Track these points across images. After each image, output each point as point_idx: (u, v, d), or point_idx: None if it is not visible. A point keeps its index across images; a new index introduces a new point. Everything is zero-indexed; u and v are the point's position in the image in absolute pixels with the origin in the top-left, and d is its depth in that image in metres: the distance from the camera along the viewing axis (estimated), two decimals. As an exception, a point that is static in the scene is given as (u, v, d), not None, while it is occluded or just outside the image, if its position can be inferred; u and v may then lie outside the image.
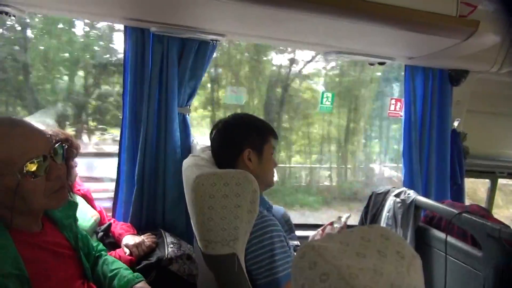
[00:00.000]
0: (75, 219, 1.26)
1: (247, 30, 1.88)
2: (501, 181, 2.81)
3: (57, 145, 1.07)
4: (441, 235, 1.82)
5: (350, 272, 0.48)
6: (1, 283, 0.91)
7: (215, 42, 1.91)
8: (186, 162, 1.55)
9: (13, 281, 0.94)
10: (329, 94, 2.32)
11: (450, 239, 1.76)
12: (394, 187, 2.20)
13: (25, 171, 0.98)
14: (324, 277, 0.49)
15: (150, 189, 1.95)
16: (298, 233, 1.98)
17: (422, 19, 1.55)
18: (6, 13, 1.58)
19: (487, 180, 2.80)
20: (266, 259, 1.32)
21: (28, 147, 1.00)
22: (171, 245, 1.67)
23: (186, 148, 1.99)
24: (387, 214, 2.10)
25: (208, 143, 1.67)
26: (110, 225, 1.80)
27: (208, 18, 1.69)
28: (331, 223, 1.76)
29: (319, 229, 1.78)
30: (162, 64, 1.88)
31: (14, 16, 1.60)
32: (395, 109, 2.44)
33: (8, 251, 0.96)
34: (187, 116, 2.01)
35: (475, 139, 2.53)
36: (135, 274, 1.31)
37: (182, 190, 1.76)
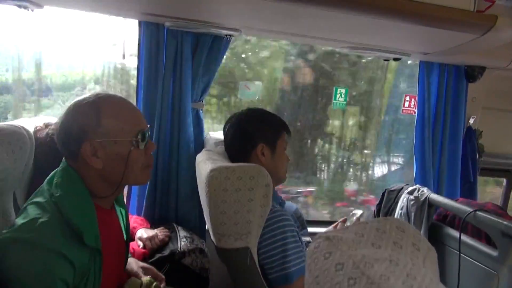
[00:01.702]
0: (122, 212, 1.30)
1: (262, 26, 1.88)
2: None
3: (148, 127, 1.15)
4: (455, 233, 1.80)
5: (366, 262, 0.48)
6: (80, 254, 0.96)
7: (229, 37, 1.91)
8: (200, 157, 1.56)
9: (90, 253, 1.00)
10: (343, 90, 2.31)
11: (464, 237, 1.74)
12: (407, 184, 2.19)
13: (134, 141, 1.07)
14: (340, 266, 0.49)
15: (164, 183, 1.97)
16: (310, 229, 1.98)
17: (439, 14, 1.53)
18: (25, 7, 1.61)
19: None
20: (279, 254, 1.33)
21: (138, 120, 1.11)
22: (184, 239, 1.68)
23: (200, 142, 2.01)
24: (400, 211, 2.08)
25: (221, 137, 1.68)
26: (128, 223, 1.82)
27: (222, 13, 1.69)
28: (344, 220, 1.76)
29: (332, 226, 1.78)
30: (176, 59, 1.89)
31: (33, 10, 1.63)
32: (409, 106, 2.42)
33: (94, 227, 1.02)
34: (201, 111, 2.02)
35: (491, 136, 2.49)
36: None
37: (195, 185, 1.77)
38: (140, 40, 1.90)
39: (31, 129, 1.44)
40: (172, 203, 1.98)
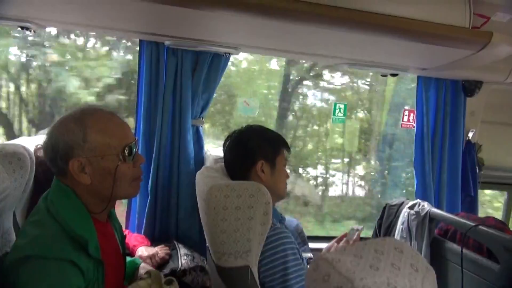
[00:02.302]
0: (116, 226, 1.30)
1: (260, 43, 1.91)
2: None
3: (136, 139, 1.16)
4: (457, 247, 1.79)
5: (364, 285, 0.48)
6: (86, 262, 0.98)
7: (228, 54, 1.94)
8: (200, 174, 1.57)
9: (94, 263, 1.01)
10: (342, 105, 2.32)
11: (466, 252, 1.73)
12: (407, 199, 2.18)
13: (121, 155, 1.08)
14: (338, 290, 0.50)
15: (164, 200, 1.97)
16: (311, 245, 1.97)
17: (435, 31, 1.55)
18: (27, 29, 1.63)
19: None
20: (279, 272, 1.32)
21: (124, 134, 1.11)
22: (185, 257, 1.67)
23: (200, 159, 2.01)
24: (401, 226, 2.07)
25: (221, 154, 1.69)
26: (124, 236, 1.82)
27: (221, 31, 1.72)
28: (345, 235, 1.75)
29: (333, 241, 1.77)
30: (176, 77, 1.91)
31: (35, 31, 1.66)
32: (408, 120, 2.43)
33: (93, 237, 1.03)
34: (201, 127, 2.03)
35: (491, 150, 2.49)
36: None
37: (195, 202, 1.77)
38: (141, 58, 1.93)
39: (32, 148, 1.45)
40: (172, 220, 1.98)
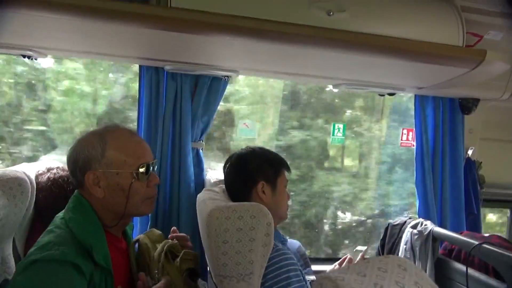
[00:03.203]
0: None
1: (258, 66, 1.94)
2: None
3: (155, 160, 1.22)
4: (462, 267, 1.76)
5: (368, 303, 0.48)
6: (90, 268, 1.01)
7: (227, 77, 1.96)
8: (200, 196, 1.56)
9: (101, 272, 1.04)
10: (341, 125, 2.34)
11: (471, 271, 1.71)
12: (410, 218, 2.17)
13: (135, 173, 1.12)
14: (342, 308, 0.49)
15: (164, 224, 1.95)
16: (314, 267, 1.94)
17: (429, 50, 1.58)
18: (29, 57, 1.67)
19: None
20: (283, 294, 1.30)
21: (142, 153, 1.16)
22: (186, 282, 1.65)
23: (200, 182, 2.01)
24: (404, 246, 2.05)
25: (222, 177, 1.69)
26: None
27: (219, 55, 1.75)
28: (345, 258, 1.73)
29: (336, 263, 1.75)
30: (176, 101, 1.93)
31: (36, 59, 1.69)
32: (407, 139, 2.44)
33: (103, 246, 1.07)
34: (201, 150, 2.04)
35: (491, 167, 2.48)
36: None
37: (196, 225, 1.75)
38: (141, 82, 1.95)
39: (33, 174, 1.45)
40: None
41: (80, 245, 1.02)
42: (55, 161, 1.69)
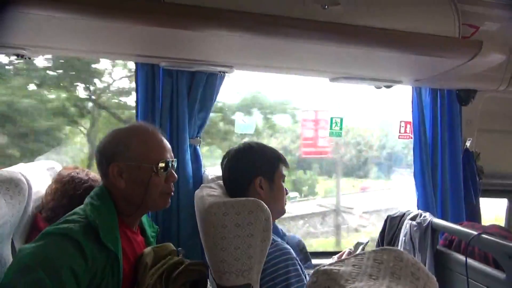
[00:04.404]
0: (155, 241, 1.40)
1: (255, 61, 1.93)
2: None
3: (175, 159, 1.31)
4: (461, 258, 1.77)
5: (364, 295, 0.48)
6: (101, 255, 1.05)
7: (223, 73, 1.96)
8: (198, 193, 1.56)
9: (108, 256, 1.07)
10: (338, 119, 2.33)
11: (471, 261, 1.71)
12: (409, 210, 2.17)
13: (156, 168, 1.21)
14: (338, 301, 0.49)
15: (165, 222, 1.95)
16: (314, 261, 1.94)
17: (426, 42, 1.58)
18: (22, 56, 1.65)
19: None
20: (282, 288, 1.30)
21: (162, 150, 1.26)
22: (187, 279, 1.64)
23: (198, 179, 2.01)
24: (404, 238, 2.05)
25: (219, 173, 1.68)
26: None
27: (215, 51, 1.74)
28: (350, 252, 1.74)
29: (335, 256, 1.75)
30: (172, 97, 1.93)
31: (29, 58, 1.68)
32: (405, 131, 2.44)
33: (113, 230, 1.12)
34: (198, 147, 2.03)
35: (489, 158, 2.49)
36: None
37: (195, 223, 1.76)
38: (137, 80, 1.95)
39: (29, 175, 1.45)
40: (173, 241, 1.94)
41: (90, 226, 1.07)
42: (53, 162, 1.69)
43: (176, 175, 1.30)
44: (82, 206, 1.16)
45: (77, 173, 1.56)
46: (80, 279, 0.99)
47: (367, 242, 1.76)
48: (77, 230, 1.04)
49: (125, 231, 1.20)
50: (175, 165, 1.32)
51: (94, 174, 1.60)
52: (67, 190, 1.49)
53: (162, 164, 1.22)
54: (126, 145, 1.20)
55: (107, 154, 1.21)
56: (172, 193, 1.31)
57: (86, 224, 1.08)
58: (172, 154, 1.31)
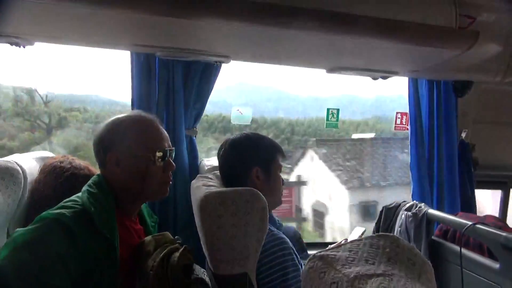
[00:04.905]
0: (155, 231, 1.42)
1: (251, 52, 1.92)
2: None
3: (173, 148, 1.31)
4: (456, 248, 1.78)
5: (359, 279, 0.48)
6: (96, 243, 1.05)
7: (219, 64, 1.94)
8: (194, 183, 1.56)
9: (103, 243, 1.07)
10: (335, 110, 2.33)
11: (465, 251, 1.73)
12: (404, 201, 2.18)
13: (153, 157, 1.22)
14: (334, 285, 0.49)
15: (161, 212, 1.95)
16: (310, 252, 1.95)
17: (423, 32, 1.57)
18: (16, 44, 1.63)
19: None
20: (279, 278, 1.31)
21: (159, 139, 1.26)
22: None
23: (194, 169, 2.00)
24: (399, 228, 2.07)
25: (216, 163, 1.68)
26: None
27: (211, 41, 1.73)
28: (346, 240, 1.74)
29: (331, 246, 1.76)
30: (168, 87, 1.92)
31: (24, 46, 1.66)
32: (401, 123, 2.44)
33: (109, 217, 1.11)
34: (194, 137, 2.03)
35: (484, 149, 2.50)
36: None
37: (192, 213, 1.76)
38: (132, 70, 1.93)
39: (25, 165, 1.44)
40: (170, 231, 1.94)
41: (85, 212, 1.07)
42: (45, 152, 1.68)
43: (174, 164, 1.30)
44: (79, 193, 1.15)
45: (60, 162, 1.54)
46: (69, 264, 0.98)
47: (364, 231, 1.77)
48: (70, 215, 1.04)
49: (123, 220, 1.21)
50: (173, 155, 1.32)
51: (80, 162, 1.60)
52: (50, 180, 1.49)
53: (160, 154, 1.23)
54: (124, 134, 1.20)
55: (105, 143, 1.21)
56: (171, 182, 1.31)
57: (81, 210, 1.07)
58: (170, 143, 1.31)
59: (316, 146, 6.73)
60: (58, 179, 1.48)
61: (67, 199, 1.14)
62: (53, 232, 1.00)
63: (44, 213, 1.05)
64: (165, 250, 1.17)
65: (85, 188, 1.17)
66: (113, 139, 1.20)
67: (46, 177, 1.49)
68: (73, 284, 0.99)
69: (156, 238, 1.23)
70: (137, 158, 1.20)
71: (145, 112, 1.86)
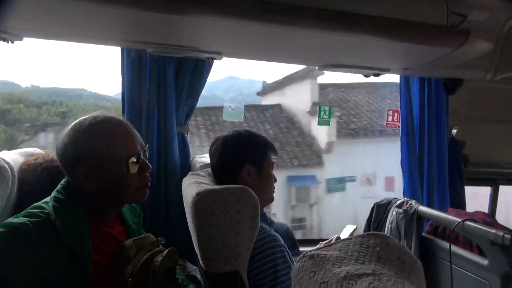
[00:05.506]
0: (139, 227, 1.33)
1: (242, 48, 1.91)
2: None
3: (146, 146, 1.20)
4: (446, 244, 1.80)
5: (349, 279, 0.48)
6: (61, 257, 0.98)
7: (211, 60, 1.93)
8: (186, 180, 1.55)
9: (70, 256, 0.99)
10: (327, 108, 2.34)
11: (455, 248, 1.74)
12: (395, 198, 2.19)
13: (127, 165, 1.11)
14: (324, 285, 0.49)
15: (152, 209, 1.94)
16: (302, 249, 1.96)
17: (414, 30, 1.58)
18: (4, 39, 1.61)
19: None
20: (270, 275, 1.31)
21: (131, 144, 1.14)
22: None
23: (186, 166, 2.00)
24: (390, 225, 2.08)
25: (207, 160, 1.67)
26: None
27: (203, 37, 1.71)
28: (337, 237, 1.75)
29: (323, 243, 1.77)
30: (159, 84, 1.90)
31: (12, 42, 1.63)
32: (392, 120, 2.45)
33: (80, 227, 1.04)
34: (186, 134, 2.02)
35: (474, 147, 2.53)
36: None
37: (183, 210, 1.75)
38: (123, 66, 1.91)
39: (12, 162, 1.42)
40: (161, 229, 1.95)
41: (50, 222, 1.00)
42: (33, 148, 1.66)
43: (150, 166, 1.20)
44: (48, 199, 1.08)
45: (35, 160, 1.50)
46: (27, 275, 0.93)
47: (355, 228, 1.78)
48: (32, 226, 0.97)
49: (97, 225, 1.13)
50: (147, 154, 1.22)
51: (53, 156, 1.51)
52: (24, 178, 1.45)
53: (133, 159, 1.12)
54: (90, 145, 1.08)
55: (69, 155, 1.09)
56: (150, 183, 1.22)
57: (45, 219, 1.01)
58: (143, 142, 1.20)
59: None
60: (30, 178, 1.45)
61: (35, 205, 1.06)
62: (12, 242, 0.94)
63: (7, 220, 0.98)
64: (147, 254, 1.12)
65: (53, 193, 1.08)
66: (79, 151, 1.08)
67: (22, 175, 1.46)
68: None
69: (137, 242, 1.16)
70: (109, 169, 1.10)
71: (135, 109, 1.87)
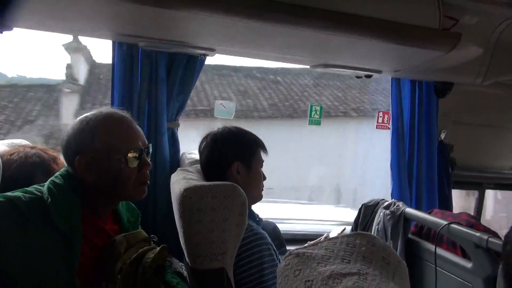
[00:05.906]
0: (136, 228, 1.33)
1: (235, 45, 1.90)
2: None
3: (148, 145, 1.24)
4: (431, 246, 1.81)
5: (334, 278, 0.48)
6: (50, 237, 1.00)
7: (203, 56, 1.92)
8: (174, 176, 1.54)
9: (60, 239, 1.01)
10: (318, 107, 2.34)
11: (440, 250, 1.76)
12: (383, 199, 2.21)
13: (126, 159, 1.14)
14: (309, 283, 0.49)
15: (140, 205, 1.92)
16: (290, 248, 1.96)
17: (407, 32, 1.59)
18: None
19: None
20: (256, 273, 1.31)
21: (132, 138, 1.18)
22: (161, 262, 1.63)
23: (175, 162, 1.98)
24: (377, 226, 2.09)
25: (197, 157, 1.67)
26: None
27: (196, 33, 1.70)
28: (326, 237, 1.76)
29: (311, 243, 1.77)
30: (151, 79, 1.88)
31: (2, 33, 1.60)
32: (383, 122, 2.47)
33: (71, 212, 1.06)
34: (176, 130, 2.00)
35: (462, 150, 2.55)
36: None
37: (172, 206, 1.74)
38: (114, 60, 1.89)
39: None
40: (149, 225, 1.93)
41: (42, 201, 1.03)
42: (19, 140, 1.62)
43: (150, 163, 1.23)
44: (45, 182, 1.11)
45: (11, 154, 1.46)
46: (11, 245, 0.95)
47: (344, 229, 1.79)
48: (25, 200, 1.00)
49: (92, 218, 1.15)
50: (150, 152, 1.25)
51: (30, 150, 1.47)
52: (3, 172, 1.41)
53: (133, 154, 1.15)
54: (92, 135, 1.12)
55: (72, 146, 1.13)
56: (148, 181, 1.24)
57: (40, 198, 1.04)
58: (145, 140, 1.23)
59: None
60: (6, 172, 1.41)
61: (33, 186, 1.10)
62: (2, 210, 0.96)
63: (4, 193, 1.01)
64: (138, 252, 1.12)
65: (51, 178, 1.12)
66: (81, 142, 1.13)
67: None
68: (18, 273, 0.94)
69: (128, 238, 1.16)
70: (109, 160, 1.13)
71: (125, 103, 1.85)
